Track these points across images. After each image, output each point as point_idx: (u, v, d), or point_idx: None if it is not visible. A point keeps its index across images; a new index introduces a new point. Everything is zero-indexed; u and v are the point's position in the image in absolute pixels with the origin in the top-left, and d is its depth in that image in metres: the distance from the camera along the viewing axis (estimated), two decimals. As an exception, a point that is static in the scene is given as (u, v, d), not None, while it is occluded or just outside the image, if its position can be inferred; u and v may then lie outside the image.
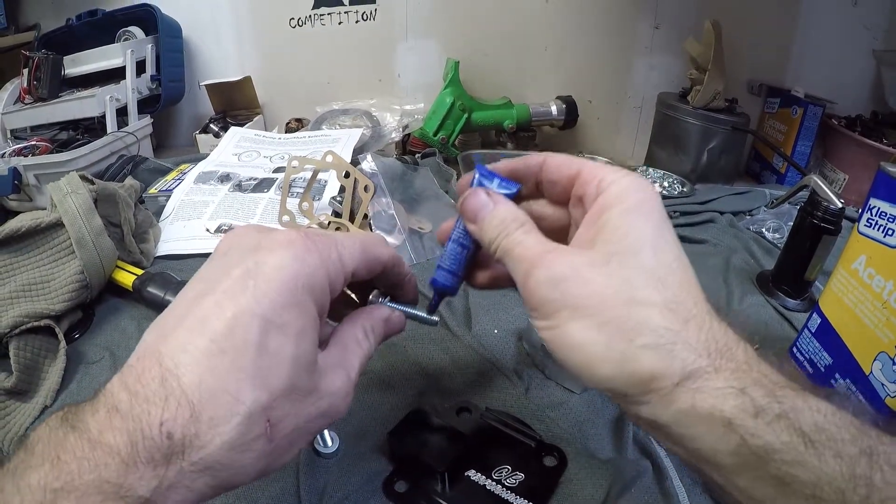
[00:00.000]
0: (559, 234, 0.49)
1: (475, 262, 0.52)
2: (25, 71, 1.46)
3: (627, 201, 0.39)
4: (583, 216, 0.42)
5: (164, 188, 1.26)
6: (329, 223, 1.02)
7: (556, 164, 0.46)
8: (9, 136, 1.45)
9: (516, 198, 0.48)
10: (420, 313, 0.54)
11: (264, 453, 0.36)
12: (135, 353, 0.37)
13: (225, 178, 1.25)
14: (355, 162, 1.24)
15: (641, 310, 0.36)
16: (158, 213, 1.16)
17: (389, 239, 1.02)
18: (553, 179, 0.47)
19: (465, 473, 0.58)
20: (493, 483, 0.57)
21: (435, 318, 0.54)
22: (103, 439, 0.33)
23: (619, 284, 0.37)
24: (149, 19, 1.58)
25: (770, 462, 0.32)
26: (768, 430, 0.32)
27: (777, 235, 1.13)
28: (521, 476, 0.58)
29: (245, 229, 0.43)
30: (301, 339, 0.38)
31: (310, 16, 1.65)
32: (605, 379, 0.37)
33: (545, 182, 0.48)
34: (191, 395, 0.34)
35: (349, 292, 0.54)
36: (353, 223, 1.01)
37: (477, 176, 0.48)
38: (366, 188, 0.98)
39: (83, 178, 0.93)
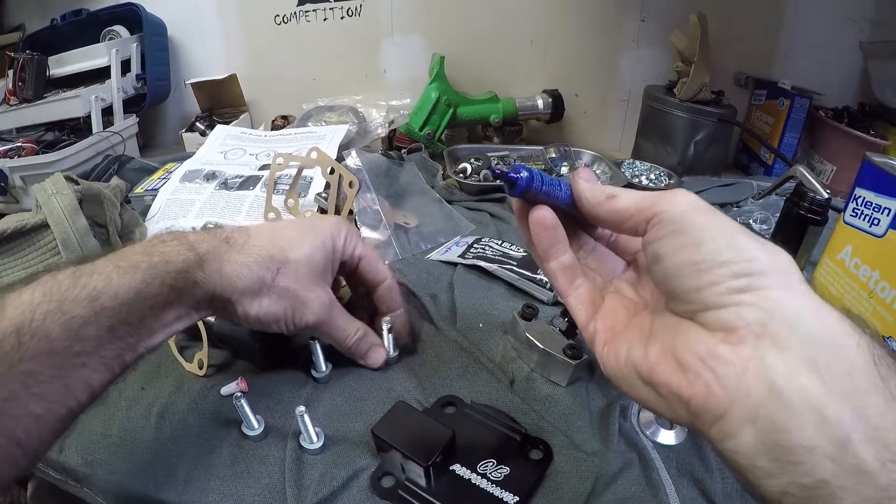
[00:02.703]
0: None
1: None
2: (10, 72, 1.45)
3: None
4: None
5: (151, 187, 1.25)
6: (315, 220, 1.01)
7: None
8: (-6, 137, 1.44)
9: None
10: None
11: (260, 282, 0.60)
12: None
13: (211, 176, 1.24)
14: (341, 158, 1.23)
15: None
16: (144, 212, 1.15)
17: (375, 234, 1.02)
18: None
19: (451, 468, 0.58)
20: (479, 477, 0.57)
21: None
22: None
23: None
24: (133, 18, 1.57)
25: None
26: (877, 340, 0.33)
27: (764, 227, 1.13)
28: (506, 470, 0.58)
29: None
30: (314, 254, 0.65)
31: (295, 12, 1.64)
32: (752, 247, 0.35)
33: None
34: (251, 237, 0.62)
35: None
36: (338, 219, 1.01)
37: None
38: (350, 184, 0.98)
39: (68, 178, 0.92)
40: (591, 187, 0.44)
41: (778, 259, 0.35)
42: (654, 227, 0.39)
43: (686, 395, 0.35)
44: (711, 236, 0.36)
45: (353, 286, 0.78)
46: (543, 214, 0.46)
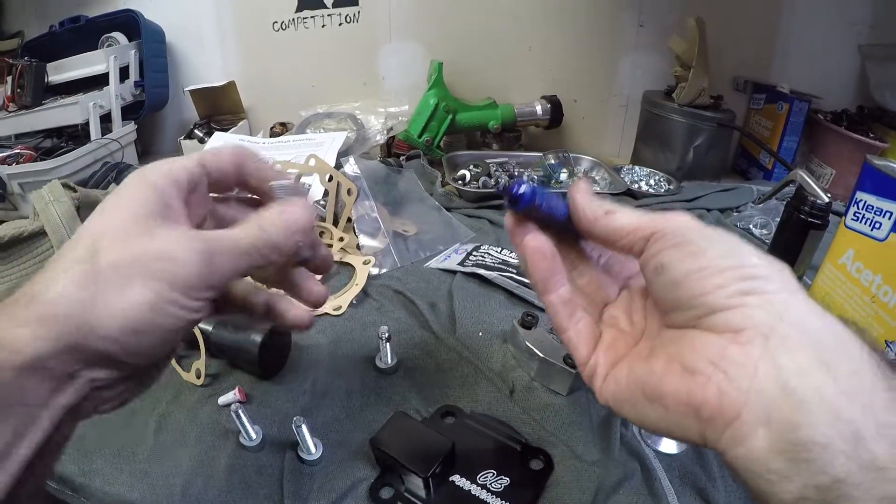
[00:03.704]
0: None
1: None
2: (9, 79, 1.45)
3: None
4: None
5: (149, 195, 1.25)
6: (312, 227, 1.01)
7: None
8: (-8, 144, 1.44)
9: None
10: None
11: (85, 277, 0.36)
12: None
13: (209, 183, 1.23)
14: (339, 165, 1.23)
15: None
16: (142, 220, 1.14)
17: (373, 242, 1.02)
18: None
19: (450, 478, 0.58)
20: (479, 488, 0.57)
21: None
22: None
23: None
24: (132, 25, 1.56)
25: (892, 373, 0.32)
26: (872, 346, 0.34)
27: (765, 231, 1.13)
28: (506, 480, 0.58)
29: None
30: (135, 201, 0.41)
31: (293, 19, 1.64)
32: (754, 254, 0.37)
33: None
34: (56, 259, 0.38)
35: None
36: (336, 227, 1.00)
37: None
38: (349, 191, 0.97)
39: (65, 185, 0.92)
40: (588, 202, 0.43)
41: (777, 268, 0.36)
42: (656, 241, 0.39)
43: (697, 400, 0.34)
44: (715, 244, 0.37)
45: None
46: (541, 245, 0.45)
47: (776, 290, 0.34)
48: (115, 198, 0.41)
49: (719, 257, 0.36)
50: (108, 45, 1.55)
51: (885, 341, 0.65)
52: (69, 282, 0.36)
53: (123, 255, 0.38)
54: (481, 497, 0.56)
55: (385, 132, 1.56)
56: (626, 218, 0.41)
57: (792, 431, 0.31)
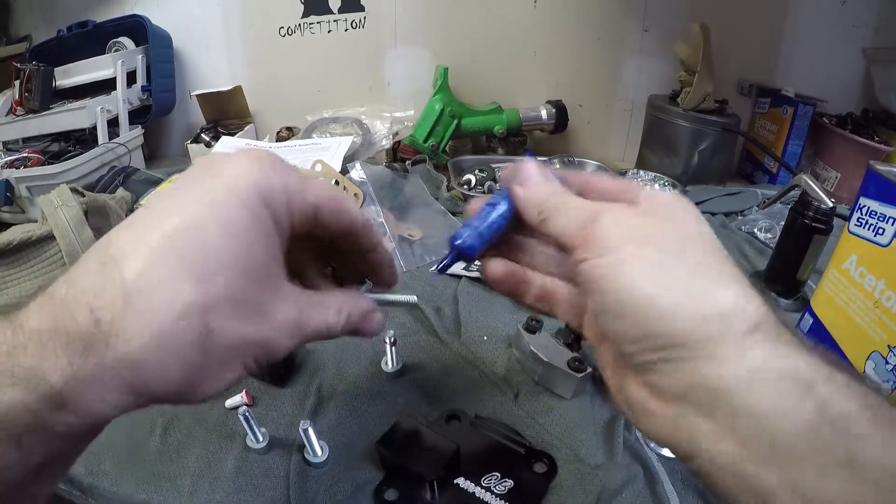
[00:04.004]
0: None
1: (498, 245, 0.47)
2: (17, 82, 1.46)
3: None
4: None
5: (156, 199, 1.25)
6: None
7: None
8: (1, 147, 1.44)
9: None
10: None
11: (192, 363, 0.33)
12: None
13: (216, 187, 1.24)
14: (345, 170, 1.24)
15: (717, 256, 0.36)
16: (150, 224, 1.15)
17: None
18: (602, 189, 0.43)
19: (455, 481, 0.58)
20: (483, 490, 0.57)
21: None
22: (28, 324, 0.31)
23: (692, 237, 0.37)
24: (139, 30, 1.57)
25: (845, 437, 0.29)
26: (841, 394, 0.30)
27: (769, 235, 1.13)
28: (510, 483, 0.58)
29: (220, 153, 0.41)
30: (254, 245, 0.35)
31: (299, 24, 1.65)
32: (670, 314, 0.33)
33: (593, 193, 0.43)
34: (129, 285, 0.31)
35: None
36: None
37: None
38: (355, 196, 0.98)
39: (74, 190, 0.93)
40: (527, 203, 0.42)
41: (709, 314, 0.33)
42: (577, 275, 0.37)
43: (642, 429, 0.37)
44: (629, 304, 0.34)
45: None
46: (496, 270, 0.46)
47: (692, 358, 0.33)
48: (222, 216, 0.34)
49: (632, 322, 0.34)
50: (116, 50, 1.56)
51: (889, 346, 0.65)
52: (177, 362, 0.32)
53: (236, 338, 0.34)
54: (486, 500, 0.57)
55: (391, 137, 1.57)
56: (558, 224, 0.40)
57: (705, 481, 0.33)
